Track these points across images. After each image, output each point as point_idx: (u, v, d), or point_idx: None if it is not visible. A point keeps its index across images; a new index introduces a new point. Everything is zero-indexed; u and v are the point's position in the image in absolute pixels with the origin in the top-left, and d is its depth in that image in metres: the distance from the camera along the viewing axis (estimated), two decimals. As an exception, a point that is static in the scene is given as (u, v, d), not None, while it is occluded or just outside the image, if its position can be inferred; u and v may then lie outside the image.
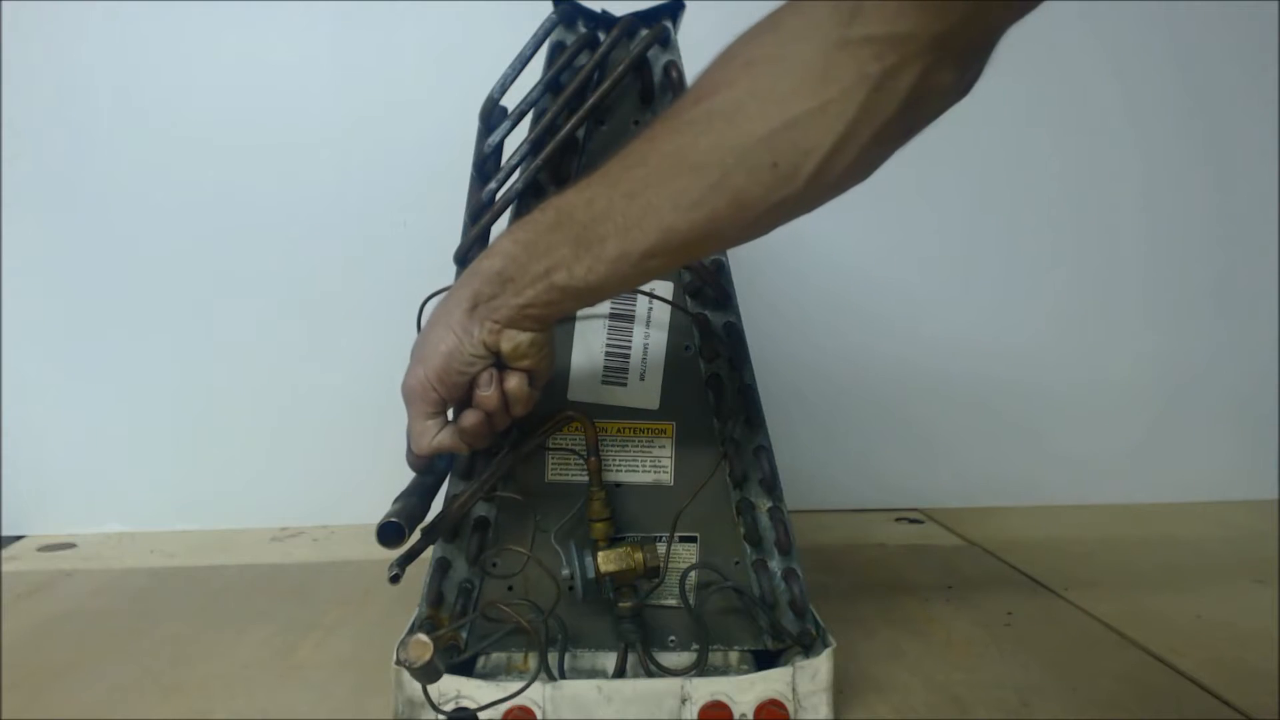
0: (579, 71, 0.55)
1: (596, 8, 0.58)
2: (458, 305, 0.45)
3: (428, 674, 0.47)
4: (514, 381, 0.48)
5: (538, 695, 0.54)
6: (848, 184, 0.39)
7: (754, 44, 0.39)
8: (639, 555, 0.56)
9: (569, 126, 0.55)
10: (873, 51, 0.35)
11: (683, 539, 0.61)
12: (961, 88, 0.38)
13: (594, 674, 0.59)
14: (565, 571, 0.57)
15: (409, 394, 0.48)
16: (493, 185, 0.57)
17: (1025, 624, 0.76)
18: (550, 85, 0.56)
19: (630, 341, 0.60)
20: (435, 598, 0.59)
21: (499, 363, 0.47)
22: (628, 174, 0.41)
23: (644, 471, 0.60)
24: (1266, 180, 1.14)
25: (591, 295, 0.44)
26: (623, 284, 0.44)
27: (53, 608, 0.82)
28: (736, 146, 0.38)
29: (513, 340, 0.46)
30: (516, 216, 0.58)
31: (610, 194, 0.41)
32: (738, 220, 0.40)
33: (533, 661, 0.61)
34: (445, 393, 0.47)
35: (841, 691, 0.59)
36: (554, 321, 0.47)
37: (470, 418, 0.48)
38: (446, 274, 0.60)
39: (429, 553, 0.57)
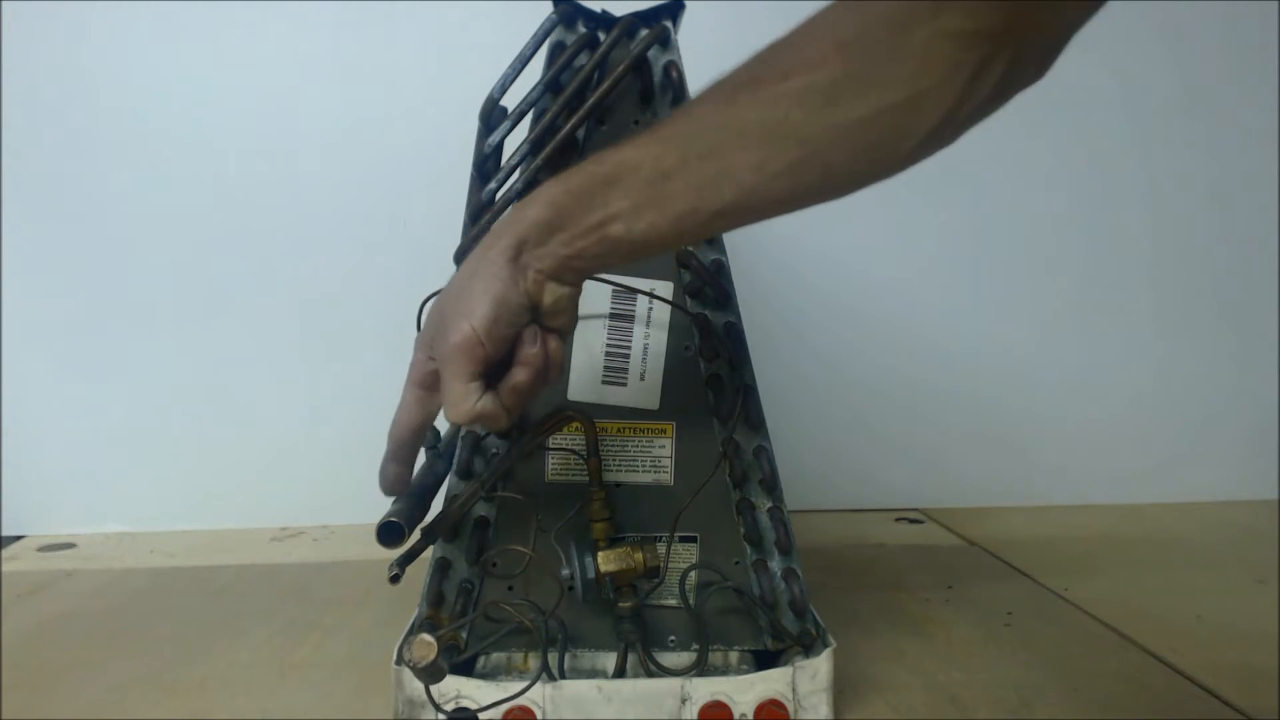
0: (579, 71, 0.55)
1: (596, 8, 0.58)
2: (500, 254, 0.43)
3: (431, 674, 0.47)
4: (555, 343, 0.46)
5: (538, 695, 0.54)
6: (926, 157, 0.41)
7: (842, 24, 0.39)
8: (639, 555, 0.56)
9: (569, 126, 0.55)
10: (965, 44, 0.36)
11: (683, 539, 0.61)
12: (1040, 75, 0.39)
13: (594, 674, 0.59)
14: (565, 571, 0.57)
15: (454, 352, 0.44)
16: (493, 185, 0.57)
17: (1025, 624, 0.76)
18: (550, 85, 0.56)
19: (630, 341, 0.60)
20: (435, 598, 0.59)
21: (535, 319, 0.46)
22: (702, 136, 0.41)
23: (644, 471, 0.60)
24: (1267, 183, 1.14)
25: (645, 249, 0.43)
26: (681, 240, 0.43)
27: (53, 608, 0.82)
28: (835, 125, 0.38)
29: (555, 293, 0.44)
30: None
31: (682, 152, 0.41)
32: (823, 189, 0.41)
33: (533, 661, 0.61)
34: (492, 348, 0.44)
35: (841, 691, 0.59)
36: (590, 276, 0.47)
37: (522, 374, 0.46)
38: (446, 274, 0.59)
39: (429, 553, 0.57)
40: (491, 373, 0.46)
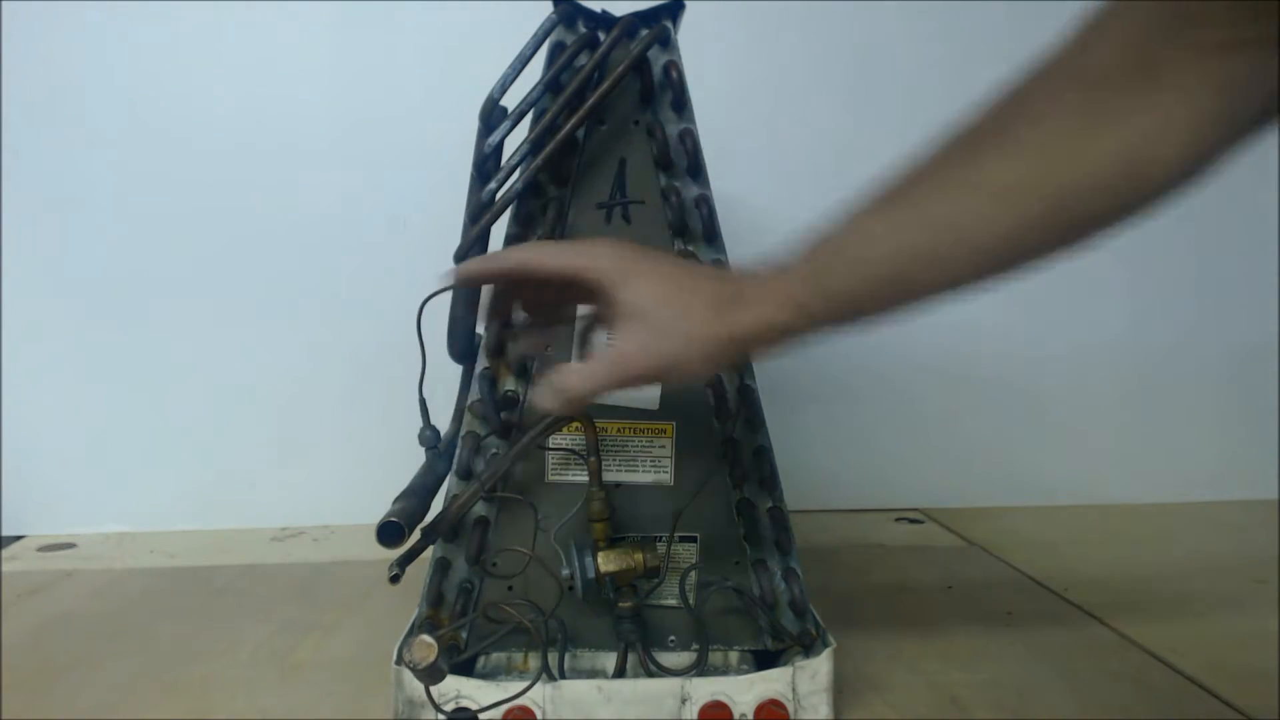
0: (579, 71, 0.55)
1: (596, 8, 0.58)
2: (742, 329, 0.42)
3: (432, 675, 0.47)
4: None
5: (538, 695, 0.55)
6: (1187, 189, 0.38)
7: (1080, 58, 0.36)
8: (639, 555, 0.56)
9: (569, 126, 0.55)
10: (1225, 57, 0.33)
11: (683, 539, 0.61)
12: None
13: (594, 674, 0.59)
14: (565, 571, 0.57)
15: (642, 356, 0.43)
16: (493, 185, 0.57)
17: (1025, 624, 0.76)
18: (550, 85, 0.56)
19: (630, 341, 0.59)
20: (435, 598, 0.59)
21: None
22: (943, 199, 0.38)
23: (644, 471, 0.60)
24: (1268, 181, 1.14)
25: (868, 318, 0.43)
26: (899, 309, 0.42)
27: (53, 608, 0.82)
28: (1082, 169, 0.36)
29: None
30: (516, 216, 0.58)
31: (920, 219, 0.39)
32: (1067, 239, 0.39)
33: (533, 661, 0.61)
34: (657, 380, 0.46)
35: (841, 691, 0.59)
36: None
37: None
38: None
39: (429, 553, 0.57)
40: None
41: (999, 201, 0.37)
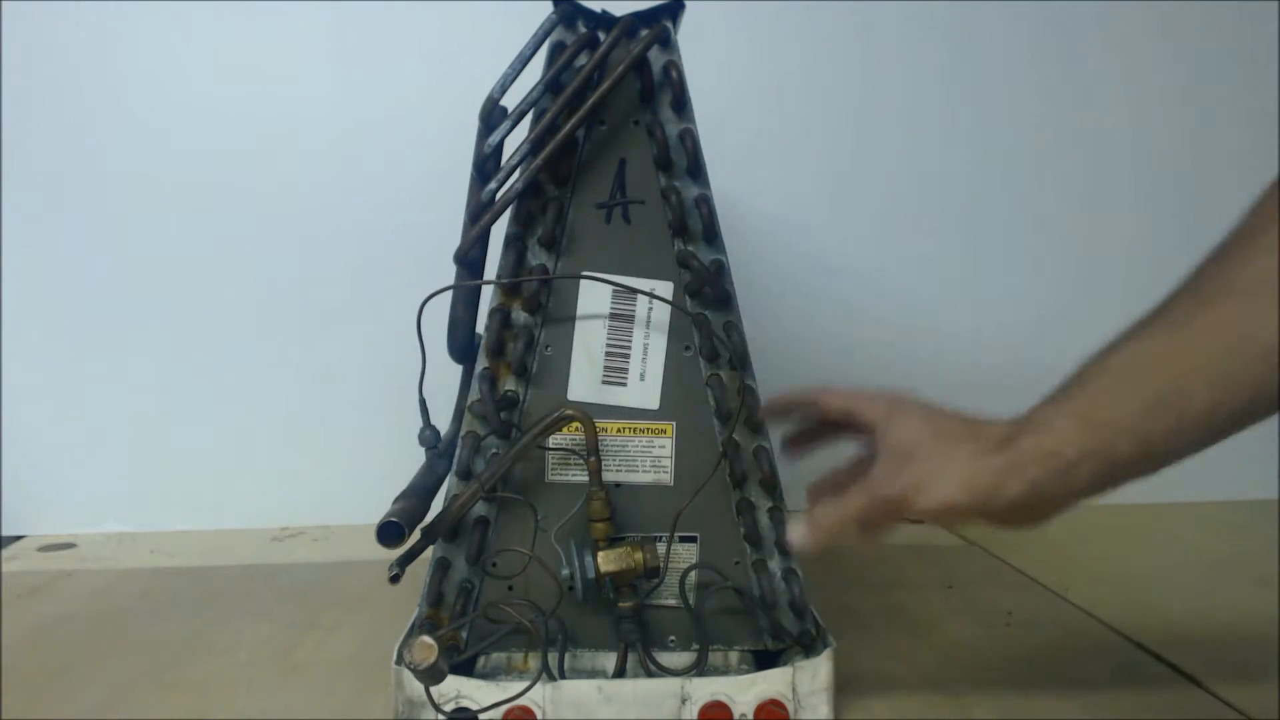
0: (579, 71, 0.55)
1: (596, 8, 0.58)
2: (1015, 487, 0.41)
3: (432, 676, 0.47)
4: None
5: (537, 695, 0.54)
6: None
7: None
8: (639, 555, 0.56)
9: (569, 126, 0.55)
10: None
11: (683, 539, 0.61)
12: None
13: (594, 674, 0.59)
14: (565, 571, 0.57)
15: (914, 497, 0.43)
16: (493, 185, 0.57)
17: (1025, 624, 0.76)
18: (550, 85, 0.56)
19: (630, 341, 0.60)
20: (435, 598, 0.59)
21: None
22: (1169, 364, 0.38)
23: (644, 471, 0.60)
24: (1267, 179, 1.14)
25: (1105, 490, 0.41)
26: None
27: (53, 608, 0.82)
28: None
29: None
30: (516, 216, 0.58)
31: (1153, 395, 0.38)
32: None
33: (533, 661, 0.61)
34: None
35: (841, 691, 0.59)
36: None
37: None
38: (446, 274, 0.60)
39: (429, 553, 0.57)
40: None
41: (1262, 320, 0.35)
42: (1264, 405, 0.38)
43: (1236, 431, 0.38)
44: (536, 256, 0.59)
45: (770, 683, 0.56)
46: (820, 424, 0.54)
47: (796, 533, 0.47)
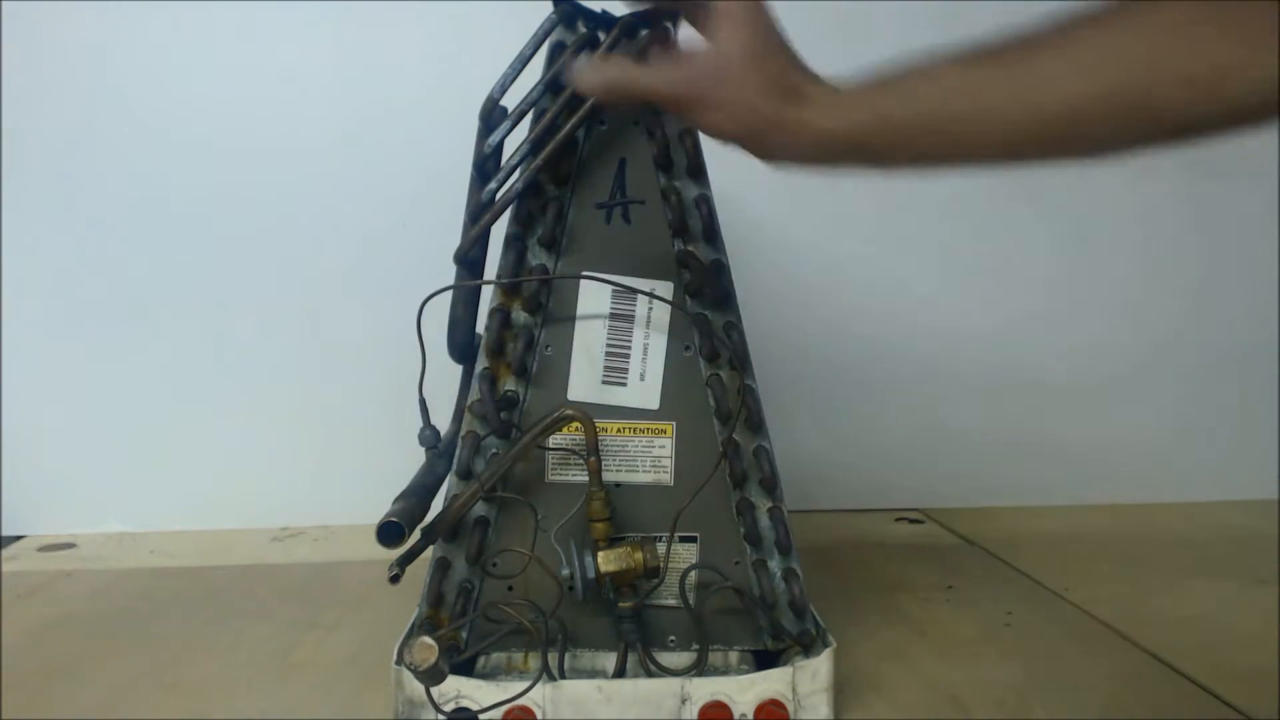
0: (579, 71, 0.55)
1: (596, 8, 0.58)
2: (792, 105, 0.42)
3: (433, 677, 0.47)
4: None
5: (538, 695, 0.55)
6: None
7: None
8: (639, 555, 0.56)
9: (569, 126, 0.55)
10: None
11: (683, 539, 0.61)
12: None
13: (594, 674, 0.59)
14: (565, 571, 0.57)
15: (717, 95, 0.43)
16: (493, 185, 0.57)
17: (1025, 624, 0.76)
18: (550, 85, 0.56)
19: (630, 341, 0.60)
20: (435, 598, 0.59)
21: None
22: (1024, 52, 0.38)
23: (644, 471, 0.60)
24: (1267, 179, 1.14)
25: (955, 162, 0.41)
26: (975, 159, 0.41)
27: (53, 608, 0.82)
28: (1170, 52, 0.36)
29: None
30: (516, 216, 0.58)
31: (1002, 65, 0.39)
32: (1139, 126, 0.38)
33: (533, 661, 0.61)
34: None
35: (841, 691, 0.59)
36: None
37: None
38: (446, 274, 0.60)
39: (429, 553, 0.57)
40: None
41: (1080, 69, 0.37)
42: (1015, 155, 0.40)
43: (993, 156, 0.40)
44: (536, 256, 0.59)
45: (770, 683, 0.56)
46: None
47: (582, 70, 0.49)
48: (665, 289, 0.59)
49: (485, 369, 0.59)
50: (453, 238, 0.59)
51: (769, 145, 0.43)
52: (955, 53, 0.40)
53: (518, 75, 0.57)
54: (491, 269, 0.60)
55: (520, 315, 0.59)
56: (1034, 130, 0.38)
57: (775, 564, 0.61)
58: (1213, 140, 0.37)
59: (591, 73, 0.48)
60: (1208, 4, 0.35)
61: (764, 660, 0.61)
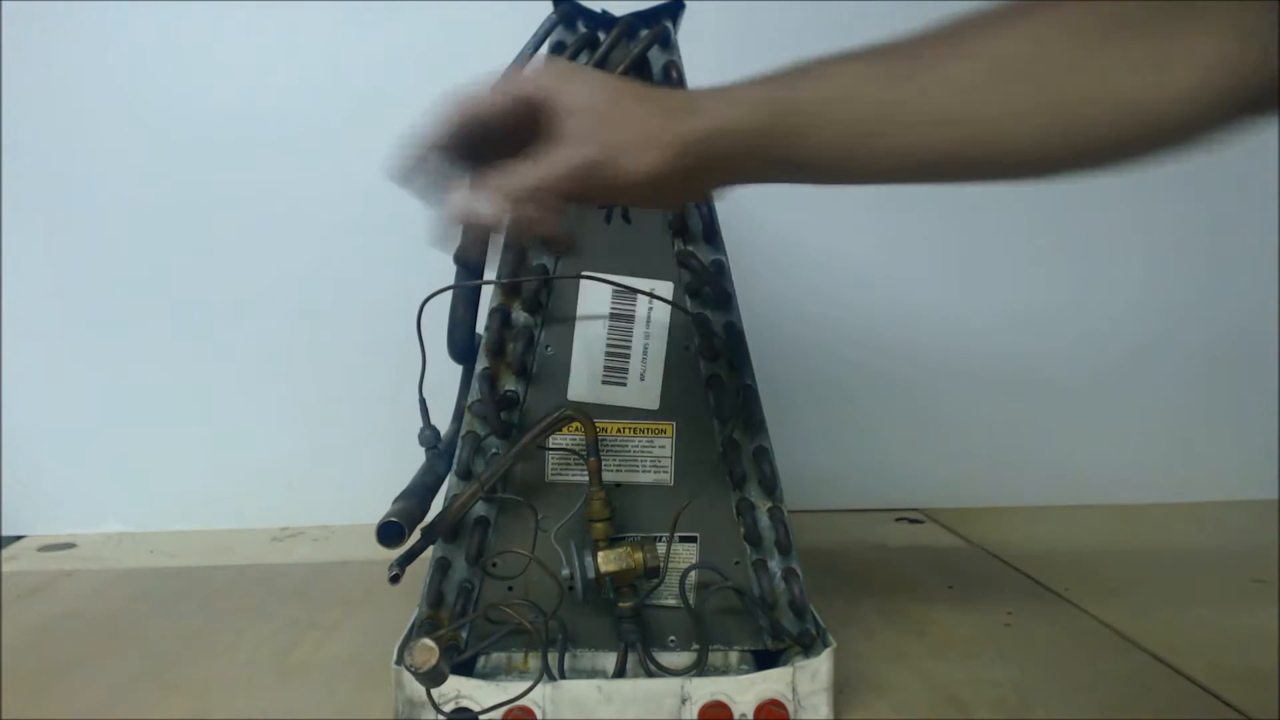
0: (579, 71, 0.55)
1: (596, 8, 0.58)
2: (692, 144, 0.39)
3: (433, 678, 0.47)
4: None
5: (538, 695, 0.54)
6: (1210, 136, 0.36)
7: None
8: (639, 555, 0.56)
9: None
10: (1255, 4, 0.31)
11: (683, 539, 0.61)
12: None
13: (594, 674, 0.59)
14: (565, 571, 0.57)
15: (586, 169, 0.38)
16: (493, 185, 0.57)
17: (1025, 624, 0.76)
18: (550, 85, 0.56)
19: (630, 341, 0.60)
20: (435, 598, 0.59)
21: None
22: (936, 65, 0.37)
23: (644, 471, 0.60)
24: (1267, 180, 1.14)
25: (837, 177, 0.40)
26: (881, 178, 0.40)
27: (53, 608, 0.82)
28: (1099, 66, 0.35)
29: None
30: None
31: (916, 80, 0.37)
32: (1069, 149, 0.37)
33: (533, 661, 0.61)
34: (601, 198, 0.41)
35: (841, 691, 0.59)
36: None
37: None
38: (446, 274, 0.60)
39: (429, 553, 0.57)
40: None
41: (999, 78, 0.35)
42: (927, 166, 0.38)
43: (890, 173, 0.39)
44: (537, 256, 0.59)
45: (770, 683, 0.56)
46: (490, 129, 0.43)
47: (470, 200, 0.40)
48: (665, 289, 0.59)
49: (485, 369, 0.59)
50: (453, 238, 0.59)
51: (690, 170, 0.39)
52: (862, 48, 0.39)
53: (518, 75, 0.57)
54: (491, 269, 0.60)
55: (520, 315, 0.59)
56: (946, 136, 0.37)
57: (775, 564, 0.61)
58: (1148, 160, 0.36)
59: (478, 204, 0.40)
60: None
61: (764, 660, 0.61)
